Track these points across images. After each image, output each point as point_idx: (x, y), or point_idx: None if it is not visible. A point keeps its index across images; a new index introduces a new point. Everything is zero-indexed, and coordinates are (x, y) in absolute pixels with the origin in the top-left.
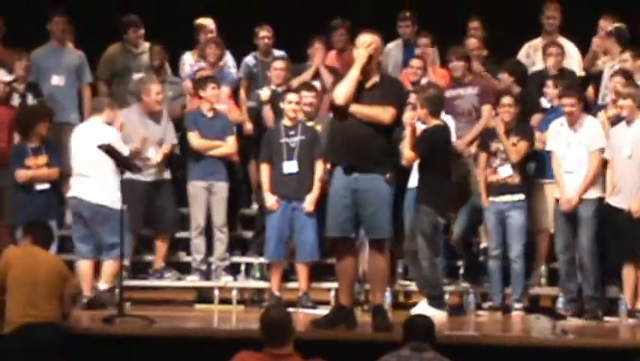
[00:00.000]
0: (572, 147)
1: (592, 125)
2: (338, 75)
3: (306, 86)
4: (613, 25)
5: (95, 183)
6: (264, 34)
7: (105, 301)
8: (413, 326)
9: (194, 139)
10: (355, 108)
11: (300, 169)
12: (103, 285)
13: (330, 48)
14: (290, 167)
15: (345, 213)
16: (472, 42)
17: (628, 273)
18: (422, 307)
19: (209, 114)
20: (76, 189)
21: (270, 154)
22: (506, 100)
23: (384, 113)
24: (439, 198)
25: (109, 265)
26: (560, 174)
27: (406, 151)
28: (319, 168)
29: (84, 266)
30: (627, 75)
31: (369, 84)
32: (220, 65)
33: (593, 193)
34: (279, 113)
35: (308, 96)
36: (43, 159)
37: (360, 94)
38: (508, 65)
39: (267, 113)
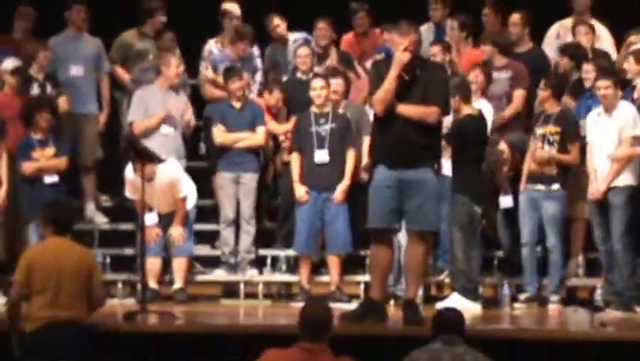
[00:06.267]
0: (609, 134)
1: (625, 111)
2: (376, 71)
3: (334, 71)
4: None
5: None
6: (276, 22)
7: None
8: (443, 319)
9: (219, 134)
10: (400, 109)
11: (332, 158)
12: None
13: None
14: (321, 156)
15: (390, 203)
16: (515, 17)
17: None
18: (454, 300)
19: (237, 105)
20: None
21: (300, 143)
22: (541, 84)
23: (429, 115)
24: (474, 188)
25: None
26: (592, 165)
27: None
28: (351, 157)
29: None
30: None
31: (410, 78)
32: (246, 56)
33: (625, 180)
34: (303, 102)
35: (333, 83)
36: (50, 150)
37: (401, 89)
38: (569, 49)
39: None
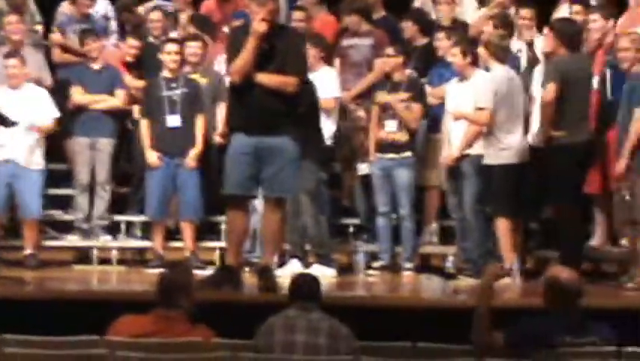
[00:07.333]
0: (464, 102)
1: (480, 81)
2: (234, 38)
3: (192, 36)
4: None
5: None
6: None
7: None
8: (299, 285)
9: (77, 95)
10: (259, 79)
11: (184, 124)
12: None
13: None
14: (173, 121)
15: (247, 170)
16: None
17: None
18: (293, 266)
19: (96, 67)
20: None
21: (150, 109)
22: (389, 50)
23: (287, 85)
24: (318, 154)
25: None
26: (447, 133)
27: None
28: (201, 122)
29: None
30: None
31: (269, 47)
32: (93, 15)
33: (477, 149)
34: (156, 67)
35: (193, 46)
36: None
37: (260, 58)
38: (413, 14)
39: None
